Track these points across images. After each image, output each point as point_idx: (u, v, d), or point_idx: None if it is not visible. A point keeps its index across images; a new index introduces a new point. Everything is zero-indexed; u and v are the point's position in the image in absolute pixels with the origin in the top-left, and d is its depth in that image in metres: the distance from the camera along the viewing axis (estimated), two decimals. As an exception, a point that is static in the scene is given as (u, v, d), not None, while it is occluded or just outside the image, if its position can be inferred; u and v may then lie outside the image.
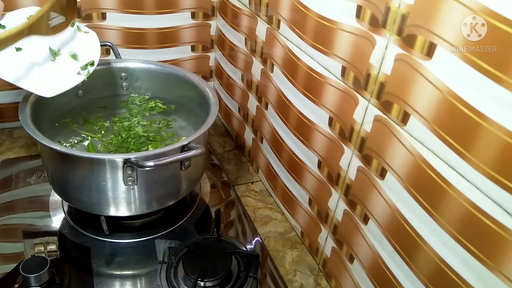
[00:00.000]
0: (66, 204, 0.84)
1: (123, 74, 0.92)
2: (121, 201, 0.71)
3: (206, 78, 1.22)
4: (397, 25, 0.53)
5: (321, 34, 0.68)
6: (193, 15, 1.10)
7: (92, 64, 0.76)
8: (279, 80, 0.84)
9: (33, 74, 0.72)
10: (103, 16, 1.02)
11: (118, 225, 0.79)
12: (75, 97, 0.88)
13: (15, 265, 0.69)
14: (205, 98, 0.82)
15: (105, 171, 0.67)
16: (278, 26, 0.81)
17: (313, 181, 0.77)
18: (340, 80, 0.66)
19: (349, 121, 0.65)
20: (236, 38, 1.02)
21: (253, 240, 0.82)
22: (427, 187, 0.51)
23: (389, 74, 0.55)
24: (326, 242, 0.76)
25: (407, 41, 0.51)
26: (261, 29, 0.88)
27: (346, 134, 0.66)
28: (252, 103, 0.99)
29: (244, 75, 1.02)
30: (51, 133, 0.80)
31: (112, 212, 0.72)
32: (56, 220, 0.81)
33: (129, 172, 0.66)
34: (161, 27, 1.08)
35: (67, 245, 0.77)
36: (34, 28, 0.68)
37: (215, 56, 1.19)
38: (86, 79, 0.74)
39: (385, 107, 0.57)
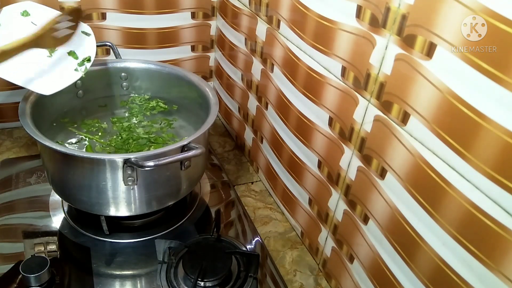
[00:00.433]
0: (66, 204, 0.84)
1: (123, 74, 0.92)
2: (121, 201, 0.71)
3: (206, 78, 1.22)
4: (397, 25, 0.53)
5: (321, 34, 0.68)
6: (193, 15, 1.10)
7: (88, 60, 0.76)
8: (279, 80, 0.84)
9: (31, 72, 0.72)
10: (103, 16, 1.02)
11: (118, 225, 0.79)
12: (75, 97, 0.88)
13: (15, 265, 0.69)
14: (205, 98, 0.82)
15: (105, 171, 0.67)
16: (278, 26, 0.81)
17: (313, 181, 0.77)
18: (340, 80, 0.66)
19: (349, 121, 0.65)
20: (236, 38, 1.02)
21: (253, 240, 0.82)
22: (427, 187, 0.51)
23: (389, 74, 0.55)
24: (326, 242, 0.76)
25: (407, 41, 0.51)
26: (261, 29, 0.88)
27: (346, 134, 0.66)
28: (252, 103, 0.99)
29: (244, 75, 1.02)
30: (51, 133, 0.80)
31: (112, 212, 0.72)
32: (56, 220, 0.81)
33: (129, 172, 0.66)
34: (161, 27, 1.08)
35: (67, 245, 0.77)
36: (39, 40, 0.68)
37: (215, 56, 1.19)
38: (84, 75, 0.74)
39: (385, 107, 0.57)
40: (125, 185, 0.68)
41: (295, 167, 0.83)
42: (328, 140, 0.71)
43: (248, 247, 0.79)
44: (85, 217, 0.80)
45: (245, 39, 0.97)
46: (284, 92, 0.83)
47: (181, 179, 0.76)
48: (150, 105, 0.92)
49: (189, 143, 0.68)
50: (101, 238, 0.77)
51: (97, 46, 0.81)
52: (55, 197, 0.84)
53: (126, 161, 0.65)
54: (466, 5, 0.43)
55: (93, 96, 0.91)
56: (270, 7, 0.83)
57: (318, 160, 0.75)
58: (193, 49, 1.16)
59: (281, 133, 0.87)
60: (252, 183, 1.00)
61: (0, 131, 1.05)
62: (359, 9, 0.59)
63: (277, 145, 0.89)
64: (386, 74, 0.56)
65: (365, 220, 0.64)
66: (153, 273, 0.72)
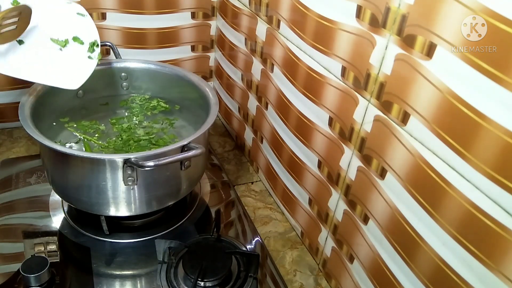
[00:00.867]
0: (66, 204, 0.84)
1: (123, 74, 0.92)
2: (121, 201, 0.71)
3: (206, 78, 1.22)
4: (397, 25, 0.53)
5: (321, 34, 0.68)
6: (193, 15, 1.10)
7: (97, 45, 0.76)
8: (279, 80, 0.84)
9: (50, 69, 0.72)
10: (103, 16, 1.02)
11: (118, 225, 0.79)
12: (75, 97, 0.88)
13: (15, 265, 0.69)
14: (205, 98, 0.82)
15: (105, 171, 0.67)
16: (278, 26, 0.81)
17: (313, 181, 0.77)
18: (340, 80, 0.66)
19: (349, 121, 0.65)
20: (236, 38, 1.02)
21: (253, 240, 0.82)
22: (427, 187, 0.51)
23: (389, 74, 0.55)
24: (326, 242, 0.76)
25: (407, 41, 0.51)
26: (261, 29, 0.88)
27: (346, 134, 0.66)
28: (252, 103, 0.99)
29: (244, 75, 1.02)
30: (51, 133, 0.80)
31: (112, 212, 0.72)
32: (56, 220, 0.81)
33: (129, 172, 0.66)
34: (161, 27, 1.08)
35: (67, 245, 0.77)
36: None
37: (215, 56, 1.19)
38: (99, 62, 0.74)
39: (385, 107, 0.57)
40: (125, 185, 0.68)
41: (295, 167, 0.83)
42: (328, 140, 0.71)
43: (248, 247, 0.79)
44: (85, 217, 0.80)
45: (245, 39, 0.97)
46: (284, 92, 0.83)
47: (181, 179, 0.76)
48: (151, 105, 0.92)
49: (189, 143, 0.68)
50: (101, 238, 0.77)
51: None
52: (55, 197, 0.84)
53: (126, 161, 0.65)
54: (466, 5, 0.43)
55: (93, 96, 0.91)
56: (270, 7, 0.83)
57: (318, 160, 0.75)
58: (193, 49, 1.16)
59: (281, 133, 0.87)
60: (252, 183, 1.00)
61: (0, 131, 1.05)
62: (359, 9, 0.59)
63: (277, 145, 0.89)
64: (386, 74, 0.56)
65: (365, 220, 0.64)
66: (153, 273, 0.72)
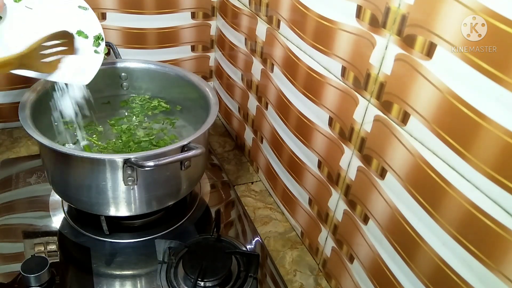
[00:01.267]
0: (66, 204, 0.84)
1: (123, 74, 0.92)
2: (121, 201, 0.71)
3: (206, 78, 1.22)
4: (397, 25, 0.53)
5: (321, 34, 0.68)
6: (193, 15, 1.10)
7: (100, 37, 0.76)
8: (279, 80, 0.84)
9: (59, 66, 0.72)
10: (103, 16, 1.02)
11: (118, 225, 0.79)
12: (75, 97, 0.88)
13: (15, 265, 0.69)
14: (205, 98, 0.82)
15: (105, 171, 0.67)
16: (278, 26, 0.81)
17: (313, 181, 0.77)
18: (340, 80, 0.66)
19: (349, 121, 0.65)
20: (236, 38, 1.02)
21: (253, 240, 0.82)
22: (427, 187, 0.51)
23: (389, 74, 0.55)
24: (326, 242, 0.76)
25: (407, 41, 0.51)
26: (261, 29, 0.88)
27: (346, 134, 0.66)
28: (252, 103, 0.99)
29: (244, 75, 1.02)
30: (51, 133, 0.80)
31: (112, 212, 0.72)
32: (56, 220, 0.81)
33: (129, 172, 0.66)
34: (161, 27, 1.08)
35: (67, 245, 0.77)
36: (24, 60, 0.63)
37: (215, 56, 1.19)
38: (105, 56, 0.74)
39: (385, 107, 0.57)
40: (125, 185, 0.68)
41: (295, 167, 0.83)
42: (328, 140, 0.71)
43: (248, 247, 0.79)
44: (85, 217, 0.80)
45: (245, 39, 0.97)
46: (284, 92, 0.83)
47: (181, 179, 0.76)
48: (152, 105, 0.92)
49: (189, 143, 0.68)
50: (101, 238, 0.77)
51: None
52: (55, 197, 0.84)
53: (126, 161, 0.65)
54: (466, 5, 0.43)
55: (93, 96, 0.91)
56: (270, 7, 0.83)
57: (318, 160, 0.75)
58: (193, 49, 1.16)
59: (281, 133, 0.87)
60: (252, 183, 1.00)
61: (0, 131, 1.05)
62: (359, 9, 0.59)
63: (277, 145, 0.89)
64: (386, 74, 0.56)
65: (365, 220, 0.64)
66: (153, 273, 0.72)
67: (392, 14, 0.53)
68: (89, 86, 0.76)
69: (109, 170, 0.67)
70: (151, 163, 0.63)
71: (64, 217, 0.81)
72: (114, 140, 0.83)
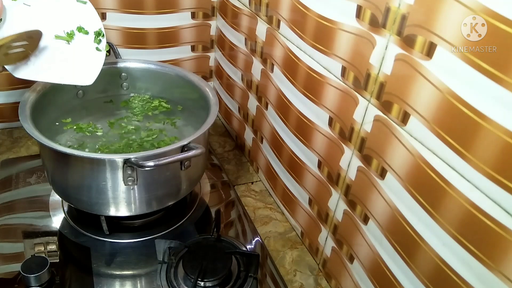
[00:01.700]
0: (66, 204, 0.84)
1: (123, 74, 0.92)
2: (121, 201, 0.71)
3: (206, 78, 1.22)
4: (397, 25, 0.53)
5: (321, 34, 0.68)
6: (193, 15, 1.10)
7: (101, 33, 0.75)
8: (279, 80, 0.84)
9: (60, 66, 0.72)
10: (103, 16, 1.02)
11: (118, 225, 0.79)
12: (75, 97, 0.88)
13: (15, 265, 0.69)
14: (205, 98, 0.82)
15: (105, 171, 0.67)
16: (278, 26, 0.81)
17: (313, 181, 0.77)
18: (340, 80, 0.66)
19: (349, 121, 0.65)
20: (236, 38, 1.02)
21: (253, 240, 0.82)
22: (427, 187, 0.51)
23: (389, 74, 0.55)
24: (326, 242, 0.76)
25: (407, 41, 0.51)
26: (261, 29, 0.88)
27: (346, 134, 0.66)
28: (252, 103, 0.99)
29: (244, 75, 1.02)
30: (51, 133, 0.80)
31: (112, 212, 0.72)
32: (56, 220, 0.81)
33: (129, 172, 0.66)
34: (161, 27, 1.08)
35: (67, 245, 0.77)
36: None
37: (215, 56, 1.19)
38: (107, 54, 0.74)
39: (385, 107, 0.57)
40: (125, 185, 0.68)
41: (295, 167, 0.83)
42: (328, 140, 0.71)
43: (248, 247, 0.79)
44: (85, 217, 0.80)
45: (245, 39, 0.97)
46: (284, 92, 0.83)
47: (181, 179, 0.76)
48: (153, 105, 0.92)
49: (189, 143, 0.68)
50: (101, 238, 0.77)
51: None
52: (55, 197, 0.84)
53: (126, 161, 0.65)
54: (466, 5, 0.43)
55: (93, 96, 0.91)
56: (270, 7, 0.83)
57: (318, 160, 0.75)
58: (193, 49, 1.16)
59: (281, 133, 0.87)
60: (252, 183, 1.00)
61: (0, 131, 1.05)
62: (359, 9, 0.59)
63: (277, 145, 0.89)
64: (386, 74, 0.56)
65: (365, 220, 0.64)
66: (153, 273, 0.72)
67: (392, 14, 0.53)
68: (91, 85, 0.76)
69: (109, 170, 0.67)
70: (151, 163, 0.63)
71: (64, 217, 0.81)
72: (117, 140, 0.82)
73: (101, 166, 0.67)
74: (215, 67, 1.21)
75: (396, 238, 0.58)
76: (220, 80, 1.18)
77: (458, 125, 0.46)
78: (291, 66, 0.79)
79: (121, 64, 0.91)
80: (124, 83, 0.94)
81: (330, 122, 0.70)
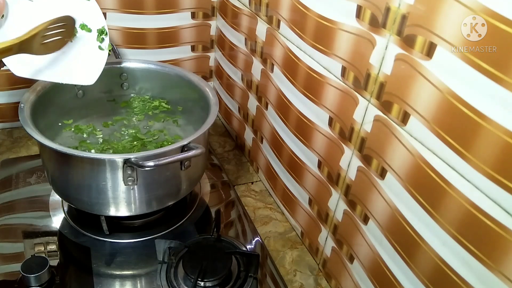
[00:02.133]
0: (66, 204, 0.83)
1: (123, 74, 0.92)
2: (121, 201, 0.71)
3: (206, 78, 1.22)
4: (397, 25, 0.53)
5: (321, 34, 0.68)
6: (193, 15, 1.10)
7: (104, 31, 0.75)
8: (279, 80, 0.84)
9: (63, 66, 0.72)
10: (103, 16, 1.01)
11: (118, 225, 0.79)
12: (75, 97, 0.88)
13: (15, 265, 0.69)
14: (205, 98, 0.82)
15: (105, 171, 0.67)
16: (278, 26, 0.81)
17: (313, 181, 0.77)
18: (340, 80, 0.66)
19: (349, 121, 0.65)
20: (236, 38, 1.02)
21: (253, 240, 0.82)
22: (427, 187, 0.51)
23: (389, 74, 0.55)
24: (326, 242, 0.76)
25: (407, 41, 0.51)
26: (261, 29, 0.88)
27: (346, 134, 0.66)
28: (252, 103, 0.99)
29: (244, 75, 1.02)
30: (51, 133, 0.80)
31: (112, 212, 0.72)
32: (56, 220, 0.81)
33: (129, 172, 0.66)
34: (161, 27, 1.08)
35: (67, 245, 0.77)
36: (24, 45, 0.64)
37: (215, 56, 1.19)
38: (110, 53, 0.74)
39: (385, 107, 0.57)
40: (125, 185, 0.68)
41: (295, 167, 0.83)
42: (328, 140, 0.71)
43: (248, 247, 0.79)
44: (85, 217, 0.80)
45: (245, 39, 0.97)
46: (284, 92, 0.83)
47: (181, 179, 0.76)
48: (153, 105, 0.92)
49: (189, 143, 0.68)
50: (101, 238, 0.77)
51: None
52: (55, 197, 0.84)
53: (126, 161, 0.65)
54: (466, 5, 0.43)
55: (93, 96, 0.91)
56: (270, 7, 0.83)
57: (318, 160, 0.75)
58: (193, 49, 1.16)
59: (281, 133, 0.87)
60: (252, 183, 1.00)
61: (0, 131, 1.05)
62: (359, 9, 0.59)
63: (277, 145, 0.89)
64: (386, 74, 0.56)
65: (365, 220, 0.64)
66: (153, 273, 0.72)
67: (392, 14, 0.53)
68: (91, 86, 0.76)
69: (109, 170, 0.67)
70: (151, 163, 0.63)
71: (64, 217, 0.81)
72: (116, 141, 0.82)
73: (101, 166, 0.67)
74: (215, 67, 1.21)
75: (396, 238, 0.58)
76: (220, 80, 1.18)
77: (458, 125, 0.46)
78: (291, 66, 0.79)
79: (121, 64, 0.91)
80: (124, 83, 0.94)
81: (330, 122, 0.70)
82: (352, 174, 0.66)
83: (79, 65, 0.74)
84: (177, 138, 0.85)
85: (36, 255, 0.69)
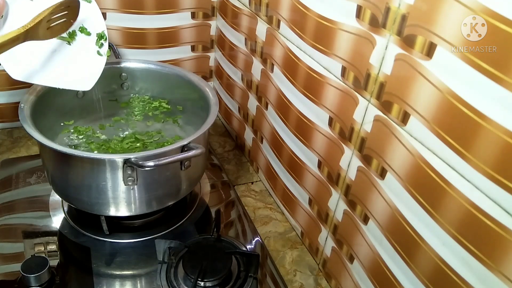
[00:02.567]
0: (66, 204, 0.84)
1: (123, 74, 0.92)
2: (121, 201, 0.71)
3: (206, 78, 1.22)
4: (397, 25, 0.53)
5: (321, 34, 0.68)
6: (193, 15, 1.10)
7: (103, 36, 0.74)
8: (279, 80, 0.84)
9: (61, 70, 0.71)
10: (103, 16, 1.01)
11: (118, 225, 0.79)
12: (75, 97, 0.88)
13: (15, 265, 0.69)
14: (205, 98, 0.82)
15: (105, 171, 0.67)
16: (278, 26, 0.81)
17: (313, 181, 0.77)
18: (340, 80, 0.66)
19: (349, 121, 0.65)
20: (236, 38, 1.02)
21: (253, 240, 0.82)
22: (427, 187, 0.51)
23: (389, 74, 0.55)
24: (326, 242, 0.76)
25: (407, 41, 0.51)
26: (261, 29, 0.88)
27: (346, 134, 0.66)
28: (252, 103, 0.99)
29: (244, 75, 1.02)
30: (51, 133, 0.80)
31: (112, 212, 0.72)
32: (56, 220, 0.81)
33: (129, 172, 0.66)
34: (161, 27, 1.08)
35: (67, 245, 0.77)
36: (30, 33, 0.65)
37: (215, 56, 1.19)
38: (108, 57, 0.73)
39: (385, 107, 0.57)
40: (125, 185, 0.68)
41: (295, 167, 0.83)
42: (328, 140, 0.71)
43: (248, 247, 0.79)
44: (85, 217, 0.80)
45: (245, 39, 0.97)
46: (284, 92, 0.83)
47: (181, 179, 0.76)
48: (153, 105, 0.92)
49: (189, 143, 0.68)
50: (101, 238, 0.77)
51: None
52: (55, 197, 0.84)
53: (126, 161, 0.65)
54: (466, 5, 0.43)
55: (94, 96, 0.91)
56: (270, 7, 0.83)
57: (318, 160, 0.75)
58: (193, 49, 1.16)
59: (281, 133, 0.87)
60: (252, 183, 1.00)
61: (0, 131, 1.05)
62: (359, 9, 0.59)
63: (277, 145, 0.89)
64: (386, 74, 0.56)
65: (365, 220, 0.64)
66: (153, 273, 0.72)
67: (392, 14, 0.53)
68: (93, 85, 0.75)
69: (109, 170, 0.67)
70: (151, 163, 0.63)
71: (64, 217, 0.81)
72: (118, 142, 0.82)
73: (101, 166, 0.67)
74: (215, 67, 1.21)
75: (396, 238, 0.58)
76: (220, 80, 1.18)
77: (458, 125, 0.46)
78: (291, 66, 0.79)
79: (121, 64, 0.91)
80: (125, 83, 0.94)
81: (330, 122, 0.70)
82: (352, 174, 0.66)
83: (76, 70, 0.73)
84: (177, 138, 0.85)
85: (36, 255, 0.69)
